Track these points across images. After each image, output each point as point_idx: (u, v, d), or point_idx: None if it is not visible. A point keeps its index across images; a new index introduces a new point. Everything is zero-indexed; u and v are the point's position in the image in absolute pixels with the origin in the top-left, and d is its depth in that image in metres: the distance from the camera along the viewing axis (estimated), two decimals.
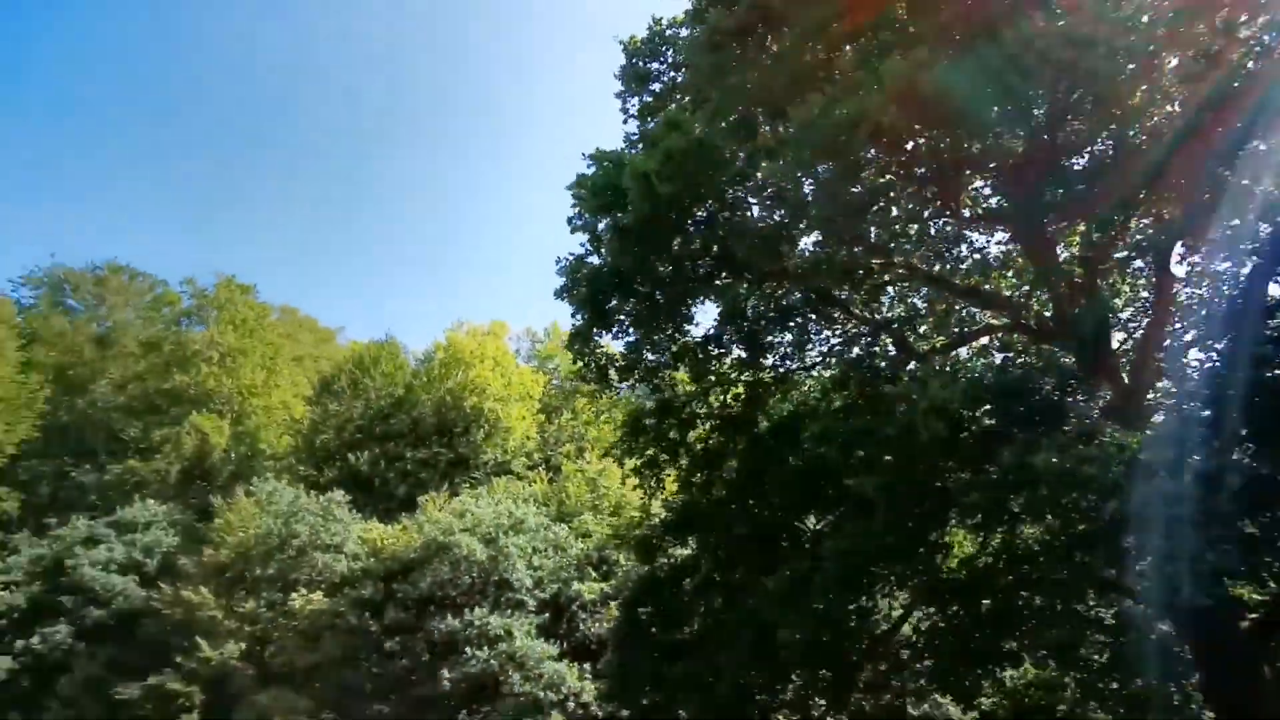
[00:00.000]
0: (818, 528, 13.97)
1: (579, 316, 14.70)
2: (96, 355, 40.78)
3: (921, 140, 11.21)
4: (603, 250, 14.02)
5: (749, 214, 13.76)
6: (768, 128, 13.22)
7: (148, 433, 37.95)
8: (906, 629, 16.43)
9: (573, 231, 17.60)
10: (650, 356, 15.20)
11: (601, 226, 14.07)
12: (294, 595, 29.40)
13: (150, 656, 28.97)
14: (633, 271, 13.10)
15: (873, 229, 13.02)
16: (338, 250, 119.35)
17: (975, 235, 15.60)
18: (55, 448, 38.82)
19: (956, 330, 16.27)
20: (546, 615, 29.79)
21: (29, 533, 35.02)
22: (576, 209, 17.53)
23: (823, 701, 14.91)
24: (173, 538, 33.33)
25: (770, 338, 15.59)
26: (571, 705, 27.19)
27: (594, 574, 31.28)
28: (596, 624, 30.51)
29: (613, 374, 15.47)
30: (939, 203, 12.87)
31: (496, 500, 32.62)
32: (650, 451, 16.07)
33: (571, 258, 14.79)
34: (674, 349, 15.38)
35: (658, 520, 16.93)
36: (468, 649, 27.50)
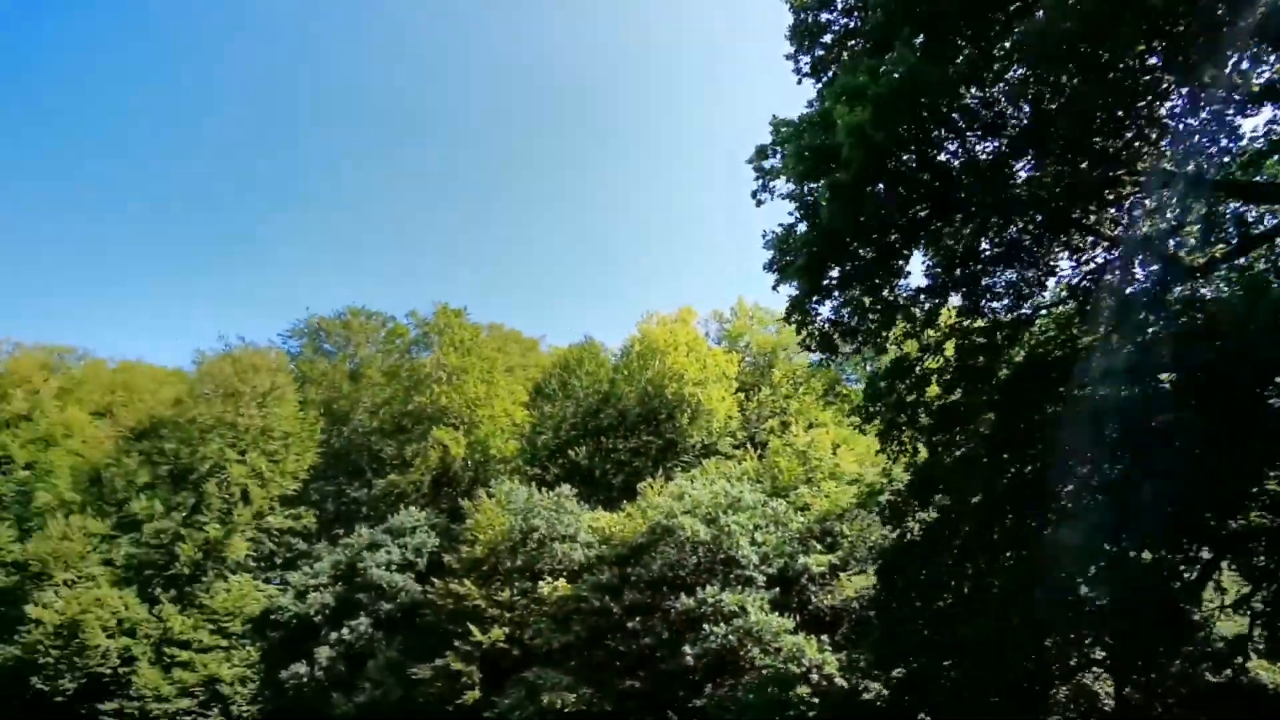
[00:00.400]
0: (1102, 477, 12.50)
1: (795, 285, 14.47)
2: (352, 388, 47.41)
3: (1192, 20, 9.57)
4: (816, 214, 13.61)
5: (965, 147, 12.70)
6: (968, 53, 12.13)
7: (400, 450, 43.45)
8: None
9: (758, 205, 17.41)
10: (872, 317, 14.59)
11: (809, 190, 13.67)
12: (541, 583, 32.15)
13: (433, 641, 33.17)
14: (850, 230, 12.59)
15: (1120, 136, 11.38)
16: (528, 263, 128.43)
17: (1243, 120, 13.15)
18: (333, 470, 45.72)
19: (1234, 235, 13.81)
20: (776, 590, 29.96)
21: (326, 543, 41.60)
22: (759, 181, 17.32)
23: (1112, 668, 13.41)
24: (434, 538, 37.86)
25: (995, 278, 14.31)
26: (815, 678, 27.13)
27: (819, 546, 30.92)
28: (828, 596, 30.16)
29: (837, 339, 15.03)
30: (1211, 89, 10.96)
31: (710, 481, 33.31)
32: (889, 415, 15.37)
33: (780, 228, 14.57)
34: (893, 304, 14.63)
35: (901, 485, 16.23)
36: (705, 626, 28.42)
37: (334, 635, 36.09)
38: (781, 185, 17.18)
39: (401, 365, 46.72)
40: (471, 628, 31.70)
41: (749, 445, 39.83)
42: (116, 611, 37.70)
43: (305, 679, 35.64)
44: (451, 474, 42.69)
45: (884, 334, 14.79)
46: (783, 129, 16.94)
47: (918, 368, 15.12)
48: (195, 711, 36.66)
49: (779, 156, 17.13)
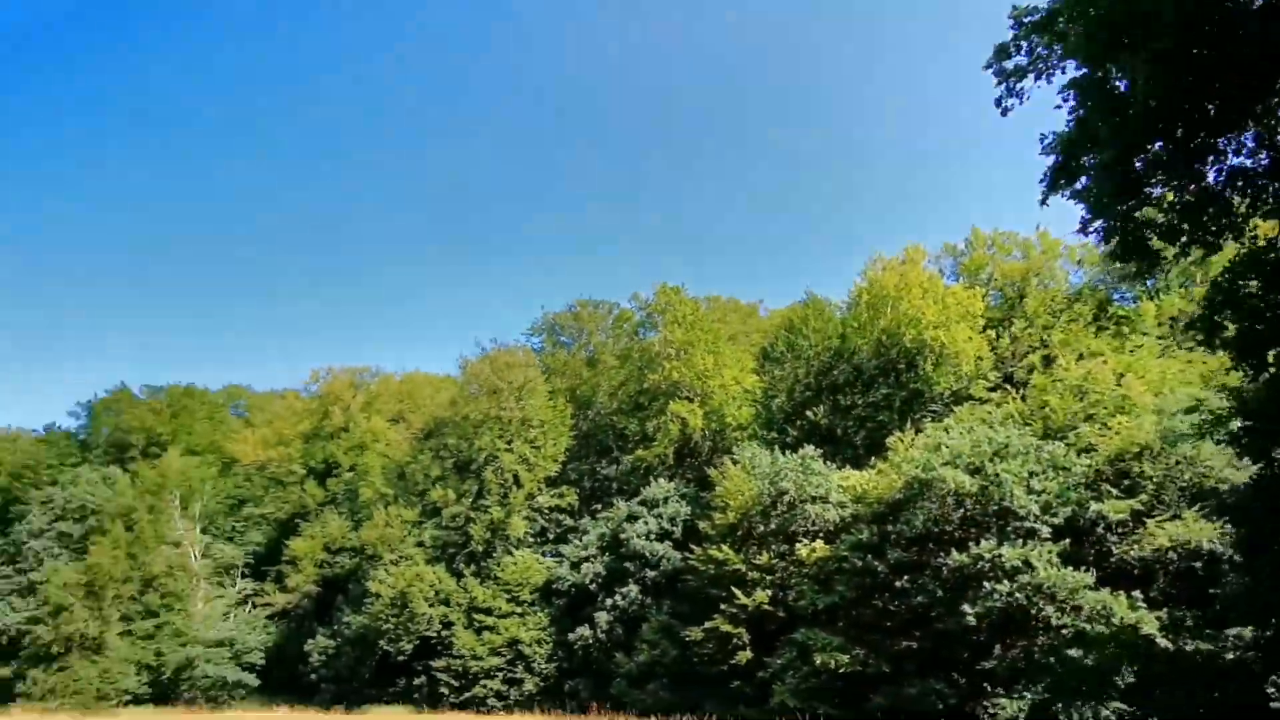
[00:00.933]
0: None
1: (1074, 196, 12.47)
2: (590, 374, 50.86)
3: None
4: (1115, 100, 11.46)
5: None
6: None
7: (642, 426, 45.78)
8: None
9: (1004, 113, 15.60)
10: (1190, 212, 11.98)
11: (1105, 72, 11.58)
12: (798, 545, 31.99)
13: (700, 605, 34.58)
14: (1169, 108, 10.44)
15: None
16: (737, 228, 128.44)
17: None
18: (584, 450, 49.50)
19: None
20: (1066, 542, 26.88)
21: (589, 517, 45.19)
22: (1002, 86, 15.39)
23: None
24: (685, 507, 39.36)
25: None
26: (1128, 639, 23.97)
27: (1114, 491, 27.18)
28: (1134, 546, 26.43)
29: (1156, 243, 12.64)
30: None
31: (968, 428, 30.73)
32: (1245, 325, 12.65)
33: (1068, 127, 12.57)
34: (1217, 194, 11.97)
35: (1253, 407, 13.41)
36: (986, 583, 26.38)
37: (608, 601, 39.12)
38: (1029, 85, 15.12)
39: (632, 347, 49.01)
40: (735, 591, 32.47)
41: (1006, 386, 36.11)
42: (434, 584, 44.35)
43: (590, 640, 39.14)
44: (692, 445, 44.01)
45: (1216, 228, 12.09)
46: (1025, 19, 14.82)
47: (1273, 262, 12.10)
48: (505, 669, 41.99)
49: (1024, 53, 15.07)
